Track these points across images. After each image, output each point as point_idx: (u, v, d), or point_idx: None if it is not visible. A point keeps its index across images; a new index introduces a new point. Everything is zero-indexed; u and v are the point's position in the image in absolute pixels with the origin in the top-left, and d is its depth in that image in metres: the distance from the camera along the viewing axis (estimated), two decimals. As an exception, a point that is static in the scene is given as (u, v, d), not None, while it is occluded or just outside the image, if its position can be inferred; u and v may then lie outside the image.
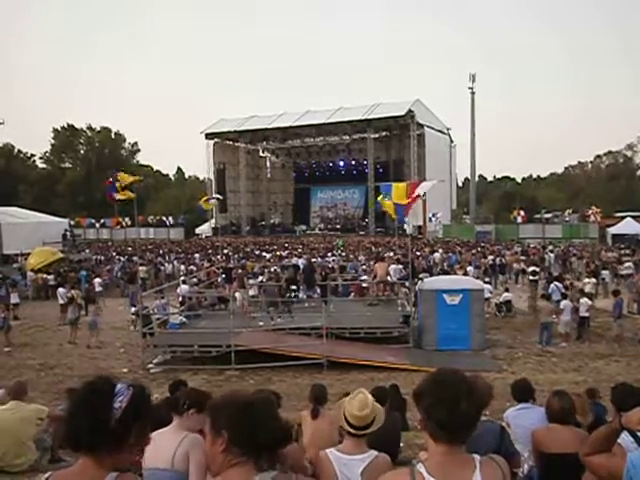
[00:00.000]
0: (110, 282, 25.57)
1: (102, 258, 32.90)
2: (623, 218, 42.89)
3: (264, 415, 1.76)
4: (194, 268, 25.58)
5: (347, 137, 53.37)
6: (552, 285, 17.13)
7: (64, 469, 1.65)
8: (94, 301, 16.68)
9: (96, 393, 1.59)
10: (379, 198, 16.14)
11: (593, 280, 18.08)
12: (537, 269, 24.48)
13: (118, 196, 14.32)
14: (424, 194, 16.18)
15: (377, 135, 51.27)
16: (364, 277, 20.07)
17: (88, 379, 1.70)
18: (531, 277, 22.95)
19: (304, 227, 55.99)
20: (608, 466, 2.43)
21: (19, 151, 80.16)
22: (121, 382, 1.64)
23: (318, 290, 17.65)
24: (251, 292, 16.40)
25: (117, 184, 13.70)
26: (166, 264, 27.96)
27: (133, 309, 17.20)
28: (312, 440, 4.46)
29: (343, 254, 29.71)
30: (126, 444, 1.58)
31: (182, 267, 26.34)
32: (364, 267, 21.95)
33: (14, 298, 18.60)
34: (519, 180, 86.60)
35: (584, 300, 14.99)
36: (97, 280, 22.87)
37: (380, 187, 16.55)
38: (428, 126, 48.61)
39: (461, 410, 1.70)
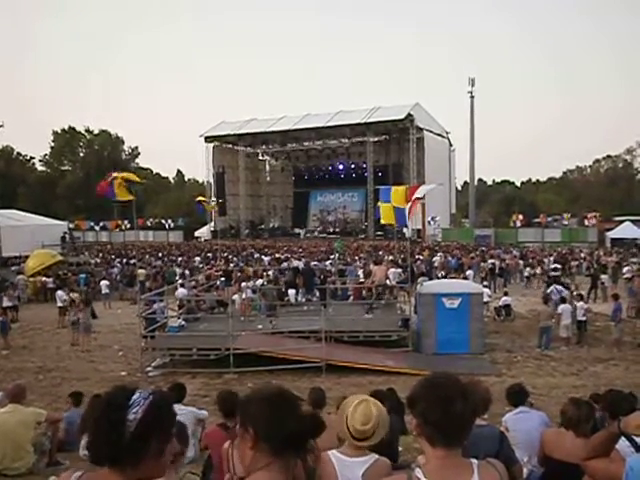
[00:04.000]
0: (109, 285, 25.51)
1: (101, 261, 32.85)
2: (622, 222, 43.01)
3: (289, 405, 1.74)
4: (188, 272, 25.52)
5: (346, 140, 53.50)
6: (552, 287, 17.14)
7: (93, 472, 1.59)
8: (89, 304, 16.60)
9: (110, 406, 1.53)
10: (379, 204, 16.17)
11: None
12: (559, 265, 25.35)
13: (117, 197, 14.29)
14: (423, 196, 16.22)
15: (376, 139, 51.39)
16: (360, 276, 20.10)
17: (106, 391, 1.65)
18: (553, 273, 23.61)
19: (304, 230, 56.08)
20: (607, 471, 2.43)
21: (18, 153, 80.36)
22: (139, 390, 1.57)
23: (317, 293, 17.65)
24: (244, 295, 16.39)
25: (116, 182, 13.65)
26: (165, 267, 27.92)
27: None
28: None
29: (342, 257, 29.71)
30: (147, 455, 1.51)
31: (178, 270, 26.28)
32: (362, 271, 21.93)
33: (7, 301, 18.48)
34: (518, 184, 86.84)
35: (580, 304, 15.02)
36: (104, 282, 22.80)
37: (379, 191, 16.56)
38: (427, 130, 48.73)
39: (456, 411, 1.71)
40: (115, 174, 13.60)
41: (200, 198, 28.77)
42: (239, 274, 20.13)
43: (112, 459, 1.51)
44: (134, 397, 1.54)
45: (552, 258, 29.20)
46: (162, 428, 1.56)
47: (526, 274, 26.08)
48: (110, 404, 1.54)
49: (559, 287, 17.19)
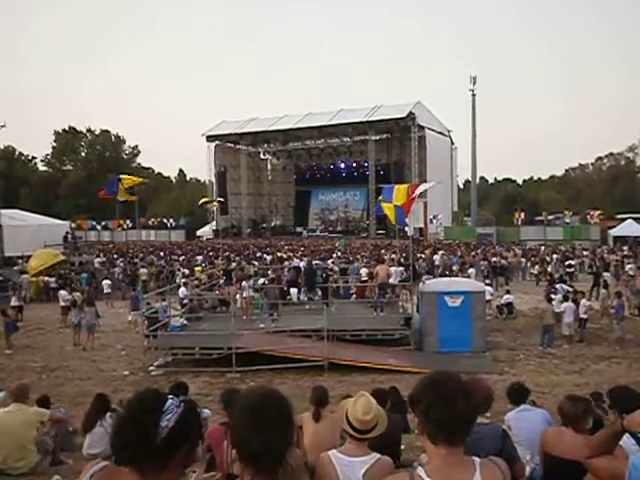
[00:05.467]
0: (112, 284, 25.51)
1: (104, 260, 32.87)
2: (624, 220, 42.90)
3: (264, 419, 1.67)
4: (187, 271, 25.54)
5: (348, 139, 53.44)
6: (558, 286, 17.13)
7: (113, 468, 1.60)
8: (93, 304, 16.63)
9: (144, 409, 1.53)
10: (379, 198, 16.14)
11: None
12: (573, 262, 26.40)
13: (119, 196, 14.37)
14: (423, 193, 16.21)
15: (378, 137, 51.31)
16: (364, 275, 20.09)
17: (139, 392, 1.64)
18: (568, 270, 24.77)
19: (305, 229, 56.13)
20: (610, 469, 2.43)
21: (20, 153, 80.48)
22: (172, 398, 1.58)
23: (319, 292, 17.65)
24: (245, 293, 16.41)
25: (120, 186, 13.73)
26: (167, 266, 27.92)
27: (133, 313, 17.31)
28: (313, 443, 4.45)
29: (346, 256, 29.67)
30: (172, 463, 1.53)
31: (180, 269, 26.27)
32: (365, 269, 21.93)
33: (15, 301, 18.62)
34: (520, 182, 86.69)
35: (583, 301, 15.02)
36: (106, 282, 22.81)
37: (382, 189, 16.55)
38: (429, 128, 48.66)
39: (459, 409, 1.72)
40: (119, 177, 13.66)
41: (203, 201, 29.05)
42: (239, 273, 20.13)
43: (138, 461, 1.51)
44: (167, 404, 1.55)
45: (555, 256, 29.20)
46: (191, 438, 1.57)
47: (535, 272, 26.06)
48: (144, 408, 1.54)
49: (564, 286, 17.17)
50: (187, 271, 25.31)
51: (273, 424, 1.68)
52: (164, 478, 1.54)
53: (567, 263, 26.52)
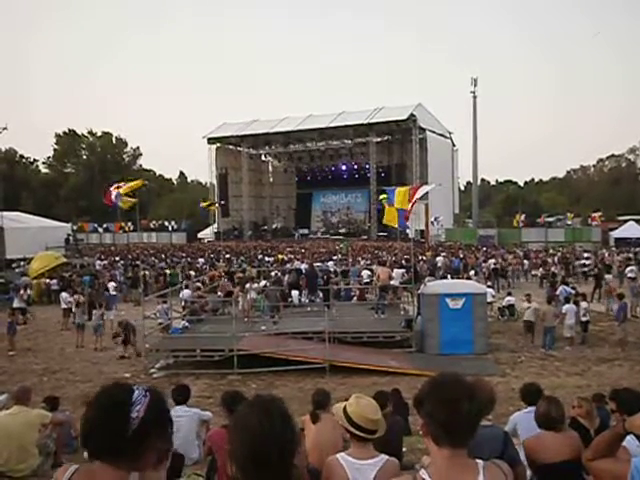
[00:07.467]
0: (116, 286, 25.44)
1: (105, 262, 32.88)
2: (625, 221, 42.89)
3: (274, 441, 1.58)
4: (193, 273, 25.53)
5: (349, 141, 53.43)
6: (560, 288, 17.11)
7: (88, 466, 1.61)
8: (101, 305, 16.69)
9: (113, 403, 1.55)
10: (381, 197, 16.09)
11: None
12: (587, 262, 27.05)
13: (120, 204, 14.44)
14: (425, 195, 16.17)
15: (379, 139, 51.33)
16: (365, 276, 20.09)
17: (104, 387, 1.65)
18: (582, 269, 25.81)
19: (307, 231, 56.17)
20: (612, 471, 2.42)
21: (22, 156, 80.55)
22: (137, 388, 1.60)
23: (320, 294, 17.64)
24: (249, 296, 16.43)
25: (120, 195, 13.79)
26: (169, 268, 27.90)
27: (109, 313, 17.40)
28: (314, 444, 4.45)
29: (350, 259, 29.67)
30: (145, 451, 1.54)
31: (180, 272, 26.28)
32: (367, 271, 21.93)
33: (17, 303, 18.68)
34: (521, 184, 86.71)
35: (582, 304, 14.99)
36: (112, 284, 22.73)
37: (386, 191, 16.55)
38: (430, 130, 48.65)
39: (464, 411, 1.71)
40: (120, 190, 13.72)
41: (204, 204, 29.15)
42: (241, 275, 20.12)
43: (113, 455, 1.53)
44: (135, 395, 1.57)
45: (557, 258, 29.19)
46: (161, 425, 1.60)
47: (539, 274, 25.85)
48: (114, 402, 1.56)
49: (567, 288, 17.14)
50: (192, 273, 25.32)
51: (283, 444, 1.60)
52: (138, 467, 1.56)
53: (581, 262, 27.25)
